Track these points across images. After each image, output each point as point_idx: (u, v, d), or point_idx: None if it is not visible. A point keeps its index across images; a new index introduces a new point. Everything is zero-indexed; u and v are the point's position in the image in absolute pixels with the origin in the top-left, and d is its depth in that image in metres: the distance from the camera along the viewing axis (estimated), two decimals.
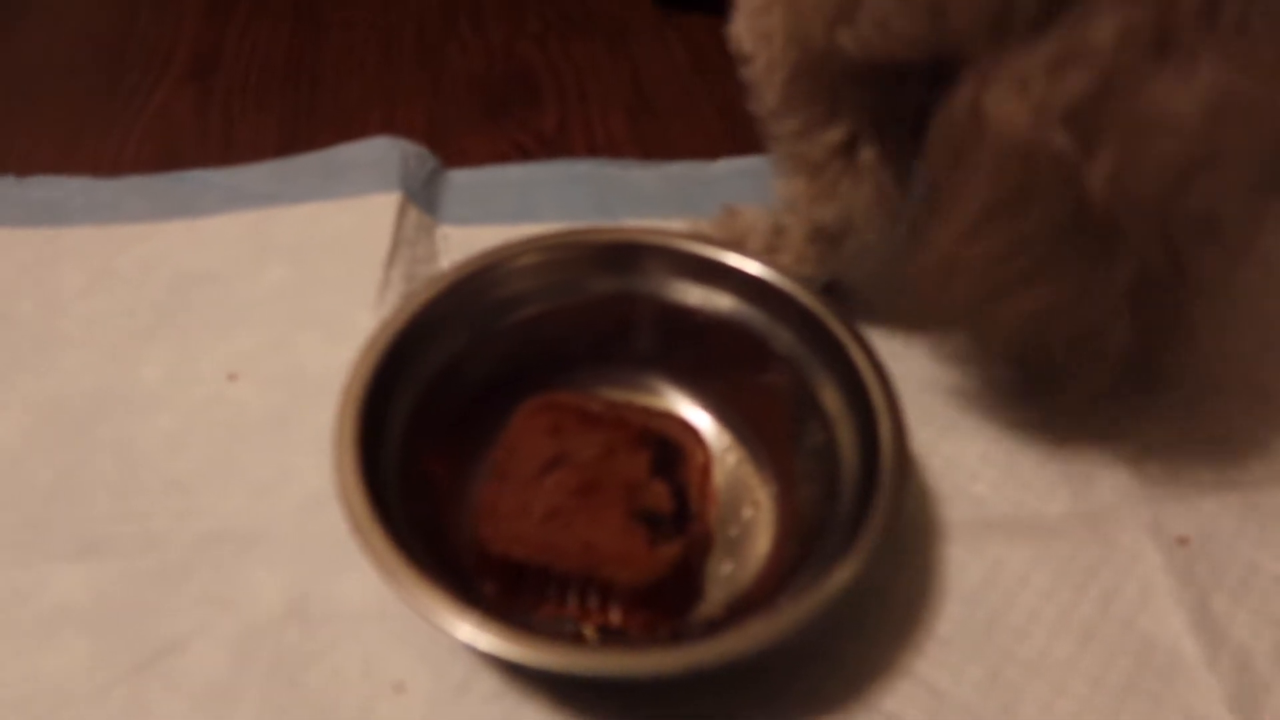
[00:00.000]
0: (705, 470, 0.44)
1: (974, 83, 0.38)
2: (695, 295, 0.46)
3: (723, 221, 0.54)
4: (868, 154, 0.45)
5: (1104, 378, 0.44)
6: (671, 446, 0.44)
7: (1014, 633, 0.42)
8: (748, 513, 0.45)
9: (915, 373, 0.51)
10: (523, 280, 0.46)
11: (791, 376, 0.43)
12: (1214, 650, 0.41)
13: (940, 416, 0.49)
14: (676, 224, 0.55)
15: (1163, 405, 0.50)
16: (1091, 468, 0.47)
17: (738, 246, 0.47)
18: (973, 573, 0.43)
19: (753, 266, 0.45)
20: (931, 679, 0.40)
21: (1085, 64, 0.35)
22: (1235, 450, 0.48)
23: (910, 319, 0.53)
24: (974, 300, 0.42)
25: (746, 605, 0.40)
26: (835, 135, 0.45)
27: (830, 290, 0.51)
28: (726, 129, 0.67)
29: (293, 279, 0.55)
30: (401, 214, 0.58)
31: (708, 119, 0.68)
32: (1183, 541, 0.45)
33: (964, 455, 0.48)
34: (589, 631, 0.40)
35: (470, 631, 0.35)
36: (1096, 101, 0.35)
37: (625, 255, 0.46)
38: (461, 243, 0.58)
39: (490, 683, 0.39)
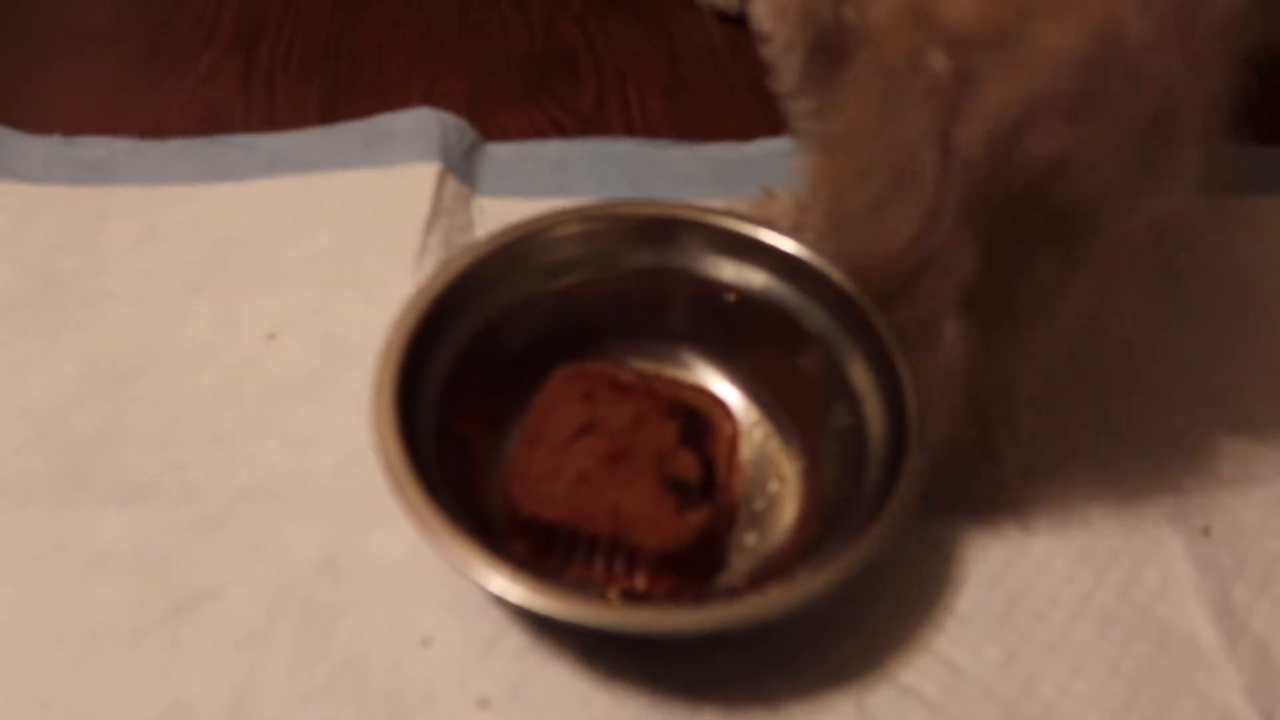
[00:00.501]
0: (733, 443, 0.45)
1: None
2: (729, 271, 0.46)
3: (759, 202, 0.54)
4: None
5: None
6: (701, 418, 0.44)
7: (1033, 615, 0.42)
8: (774, 487, 0.45)
9: None
10: (560, 250, 0.46)
11: (822, 355, 0.44)
12: (1233, 639, 0.41)
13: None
14: (713, 203, 0.56)
15: (1185, 395, 0.50)
16: (1117, 459, 0.48)
17: (771, 225, 0.47)
18: (995, 555, 0.44)
19: (786, 244, 0.45)
20: (950, 655, 0.41)
21: None
22: (1260, 443, 0.48)
23: None
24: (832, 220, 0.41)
25: (768, 576, 0.41)
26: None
27: None
28: (762, 110, 0.67)
29: (333, 243, 0.56)
30: (441, 183, 0.59)
31: (744, 100, 0.68)
32: (1205, 532, 0.45)
33: None
34: (613, 595, 0.41)
35: (503, 584, 0.36)
36: (981, 28, 0.33)
37: (662, 229, 0.46)
38: (497, 214, 0.58)
39: (517, 639, 0.40)
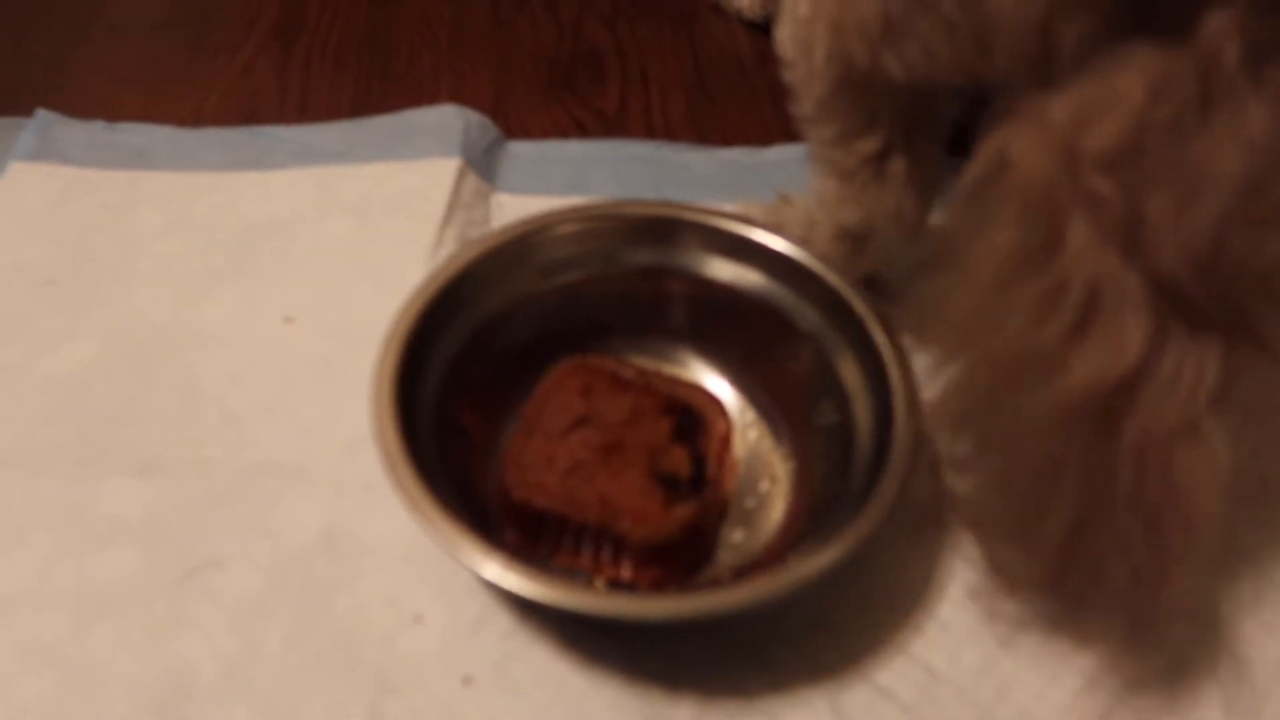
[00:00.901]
0: (726, 441, 0.46)
1: (1000, 132, 0.36)
2: (727, 271, 0.47)
3: (773, 207, 0.55)
4: (896, 166, 0.46)
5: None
6: (695, 416, 0.45)
7: (1014, 624, 0.42)
8: (764, 485, 0.46)
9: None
10: (564, 247, 0.48)
11: (814, 354, 0.44)
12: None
13: None
14: (728, 207, 0.57)
15: None
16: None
17: (777, 230, 0.48)
18: (980, 564, 0.44)
19: (782, 245, 0.46)
20: (927, 658, 0.41)
21: (1115, 113, 0.33)
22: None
23: None
24: (1001, 384, 0.37)
25: (753, 572, 0.42)
26: (869, 146, 0.46)
27: (869, 285, 0.52)
28: (781, 116, 0.67)
29: (353, 233, 0.58)
30: (460, 179, 0.60)
31: (764, 105, 0.69)
32: None
33: None
34: (600, 584, 0.42)
35: (495, 570, 0.37)
36: (1132, 153, 0.33)
37: (662, 229, 0.48)
38: (515, 210, 0.59)
39: (503, 621, 0.41)
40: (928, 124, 0.46)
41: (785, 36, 0.46)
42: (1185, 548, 0.35)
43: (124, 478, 0.46)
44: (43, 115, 0.65)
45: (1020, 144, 0.35)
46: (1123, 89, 0.33)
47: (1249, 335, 0.35)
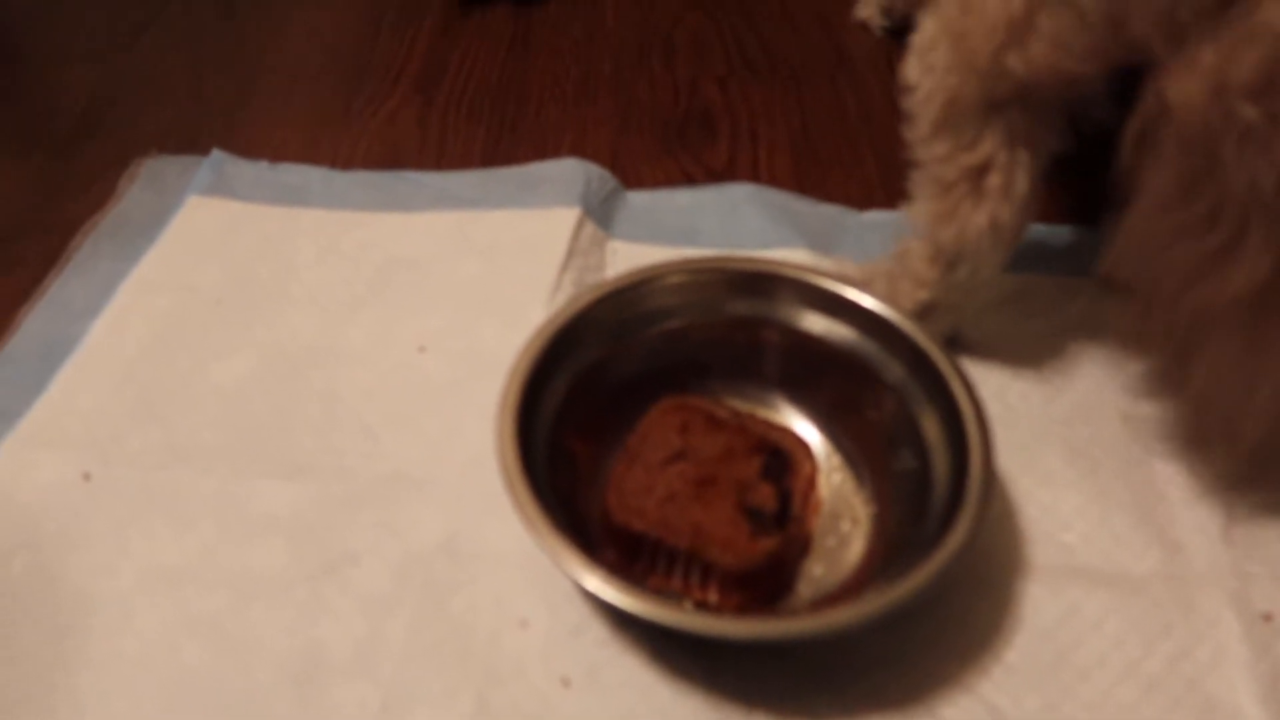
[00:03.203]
0: (811, 481, 0.49)
1: (1156, 77, 0.41)
2: (819, 325, 0.51)
3: (867, 266, 0.59)
4: (994, 180, 0.49)
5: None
6: (783, 456, 0.49)
7: (1079, 671, 0.45)
8: (846, 526, 0.49)
9: (1026, 422, 0.54)
10: (670, 296, 0.52)
11: (896, 405, 0.48)
12: None
13: (1043, 467, 0.52)
14: (824, 263, 0.61)
15: (1271, 484, 0.51)
16: (1186, 535, 0.50)
17: (867, 286, 0.52)
18: (1049, 611, 0.47)
19: (872, 302, 0.50)
20: (992, 699, 0.44)
21: (1258, 43, 0.37)
22: None
23: (1027, 371, 0.56)
24: (1174, 285, 0.44)
25: (828, 603, 0.45)
26: (972, 159, 0.49)
27: (951, 343, 0.55)
28: (883, 174, 0.71)
29: (482, 272, 0.64)
30: (579, 227, 0.66)
31: (866, 165, 0.73)
32: (1267, 618, 0.46)
33: (1060, 506, 0.51)
34: (688, 605, 0.46)
35: (595, 583, 0.41)
36: (1272, 80, 0.37)
37: (761, 283, 0.52)
38: (628, 257, 0.65)
39: (599, 631, 0.46)
40: (1031, 137, 0.49)
41: (912, 65, 0.50)
42: None
43: (275, 479, 0.53)
44: (217, 154, 0.74)
45: (1176, 86, 0.39)
46: (1266, 20, 0.37)
47: None
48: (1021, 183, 0.49)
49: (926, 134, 0.50)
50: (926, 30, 0.49)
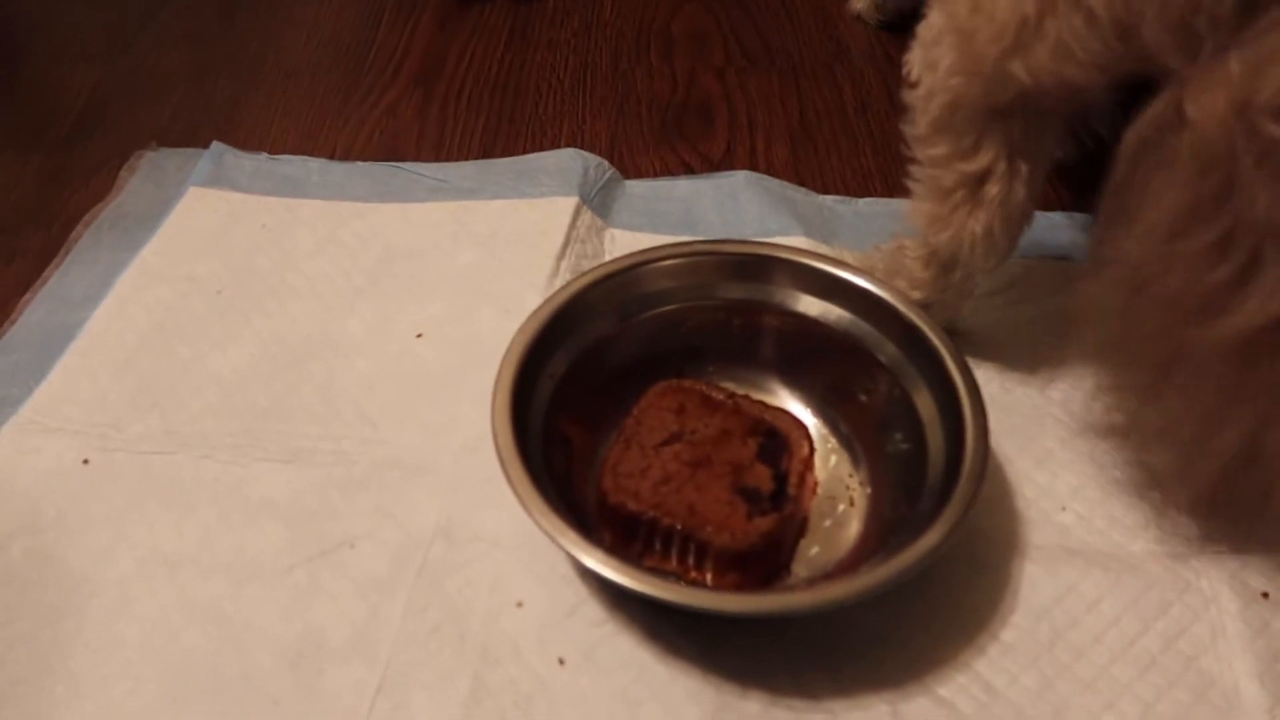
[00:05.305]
0: (807, 463, 0.49)
1: (1173, 88, 0.39)
2: (815, 307, 0.51)
3: (865, 255, 0.59)
4: (992, 190, 0.49)
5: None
6: (779, 437, 0.49)
7: (1074, 650, 0.45)
8: (842, 507, 0.49)
9: (1023, 405, 0.54)
10: (666, 279, 0.53)
11: (890, 385, 0.48)
12: (1276, 699, 0.43)
13: (1040, 448, 0.52)
14: (821, 249, 0.61)
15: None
16: (1184, 515, 0.50)
17: (865, 273, 0.52)
18: (1045, 590, 0.47)
19: (865, 282, 0.50)
20: (987, 677, 0.44)
21: None
22: None
23: (1025, 355, 0.56)
24: (1164, 317, 0.41)
25: (823, 581, 0.45)
26: (972, 166, 0.49)
27: (951, 334, 0.55)
28: (880, 163, 0.72)
29: (480, 261, 0.64)
30: (577, 215, 0.66)
31: (864, 155, 0.73)
32: (1264, 596, 0.46)
33: (1056, 486, 0.51)
34: (683, 585, 0.46)
35: (594, 560, 0.42)
36: None
37: (756, 266, 0.52)
38: (626, 244, 0.65)
39: (594, 611, 0.46)
40: (1031, 148, 0.48)
41: (915, 58, 0.49)
42: None
43: (273, 464, 0.53)
44: (216, 146, 0.74)
45: (1197, 100, 0.37)
46: None
47: None
48: (1019, 193, 0.49)
49: (925, 133, 0.49)
50: (933, 24, 0.47)
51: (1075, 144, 0.50)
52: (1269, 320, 0.38)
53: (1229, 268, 0.38)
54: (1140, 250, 0.41)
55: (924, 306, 0.53)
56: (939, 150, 0.49)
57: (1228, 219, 0.37)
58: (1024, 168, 0.49)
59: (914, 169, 0.52)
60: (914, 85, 0.49)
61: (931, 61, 0.47)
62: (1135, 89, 0.42)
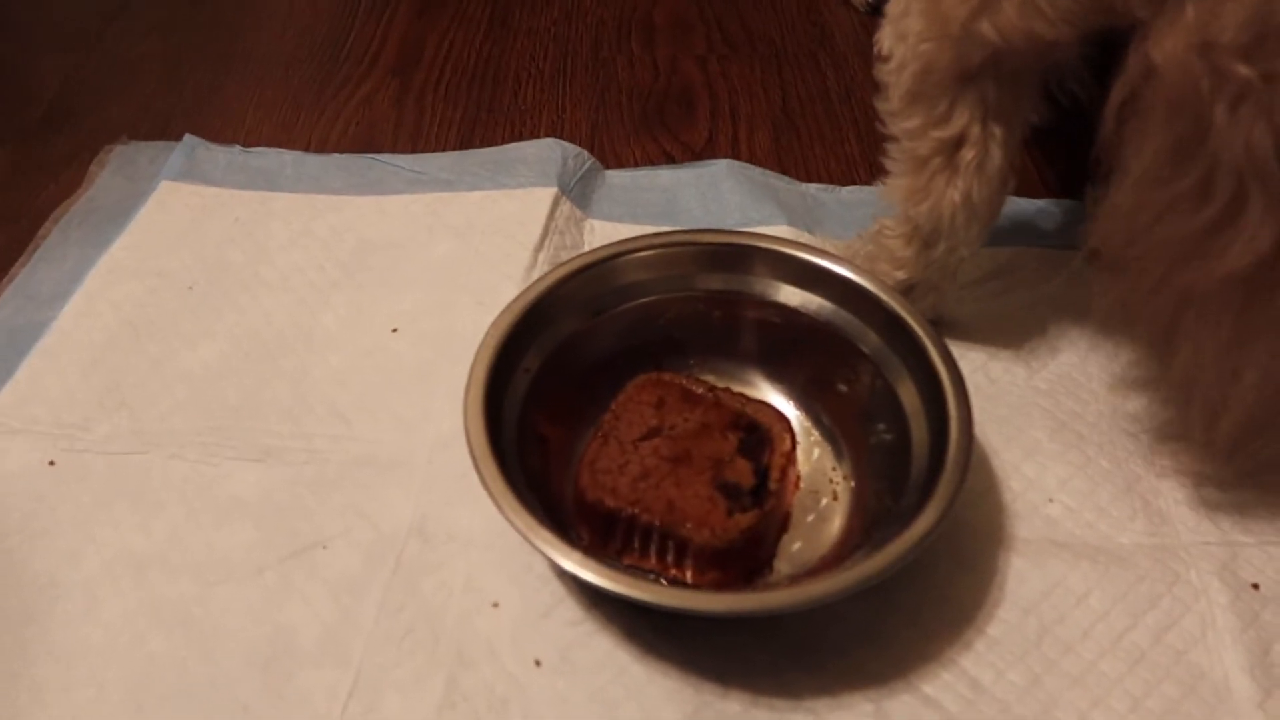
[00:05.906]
0: (789, 457, 0.48)
1: (1140, 38, 0.39)
2: (795, 297, 0.50)
3: (847, 244, 0.58)
4: (968, 155, 0.48)
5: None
6: (761, 431, 0.48)
7: (1062, 645, 0.44)
8: (824, 501, 0.48)
9: (1009, 396, 0.53)
10: (643, 271, 0.51)
11: (874, 376, 0.47)
12: (1267, 692, 0.42)
13: (1026, 441, 0.52)
14: (805, 238, 0.60)
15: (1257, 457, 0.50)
16: (1172, 506, 0.49)
17: (847, 262, 0.51)
18: (1032, 584, 0.46)
19: (846, 271, 0.49)
20: (974, 673, 0.43)
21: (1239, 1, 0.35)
22: None
23: (1011, 344, 0.55)
24: (1162, 264, 0.41)
25: (805, 577, 0.44)
26: (946, 132, 0.48)
27: (935, 324, 0.54)
28: (863, 154, 0.70)
29: (456, 254, 0.63)
30: (555, 206, 0.65)
31: (847, 142, 0.72)
32: (1254, 587, 0.45)
33: (1044, 479, 0.50)
34: (663, 583, 0.45)
35: (571, 561, 0.40)
36: (1264, 33, 0.35)
37: (735, 256, 0.51)
38: (606, 236, 0.64)
39: (570, 612, 0.45)
40: (1005, 111, 0.48)
41: (885, 33, 0.49)
42: None
43: (244, 462, 0.52)
44: (189, 139, 0.73)
45: (1161, 47, 0.37)
46: None
47: None
48: (996, 157, 0.48)
49: (899, 105, 0.49)
50: None
51: (1050, 107, 0.49)
52: (1258, 257, 0.38)
53: (1213, 209, 0.38)
54: (1131, 201, 0.41)
55: (908, 288, 0.52)
56: (913, 121, 0.49)
57: (1206, 161, 0.38)
58: (999, 131, 0.48)
59: (890, 146, 0.51)
60: (886, 59, 0.49)
61: (901, 33, 0.47)
62: (1107, 46, 0.42)
